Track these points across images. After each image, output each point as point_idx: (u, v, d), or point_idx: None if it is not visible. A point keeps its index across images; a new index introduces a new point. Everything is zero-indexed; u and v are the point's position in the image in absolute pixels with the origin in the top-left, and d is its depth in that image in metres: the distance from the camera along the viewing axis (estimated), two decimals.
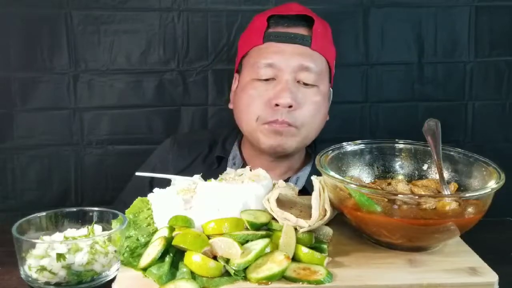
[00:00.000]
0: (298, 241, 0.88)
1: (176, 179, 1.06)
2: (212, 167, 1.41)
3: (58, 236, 0.91)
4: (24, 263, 0.85)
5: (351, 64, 1.72)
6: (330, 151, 1.04)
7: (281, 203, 0.98)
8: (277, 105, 1.27)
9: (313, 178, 0.97)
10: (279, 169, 1.40)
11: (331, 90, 1.41)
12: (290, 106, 1.27)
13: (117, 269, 0.87)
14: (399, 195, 0.91)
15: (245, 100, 1.33)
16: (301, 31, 1.33)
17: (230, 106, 1.44)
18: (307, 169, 1.41)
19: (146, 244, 0.90)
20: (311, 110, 1.31)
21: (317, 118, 1.33)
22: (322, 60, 1.34)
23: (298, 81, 1.30)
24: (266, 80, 1.31)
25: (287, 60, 1.29)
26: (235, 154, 1.43)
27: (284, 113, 1.27)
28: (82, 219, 0.95)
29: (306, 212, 0.96)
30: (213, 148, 1.47)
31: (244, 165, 1.39)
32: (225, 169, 1.29)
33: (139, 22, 1.66)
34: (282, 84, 1.28)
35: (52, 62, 1.65)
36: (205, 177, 1.06)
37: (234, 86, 1.43)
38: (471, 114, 1.75)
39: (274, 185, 1.04)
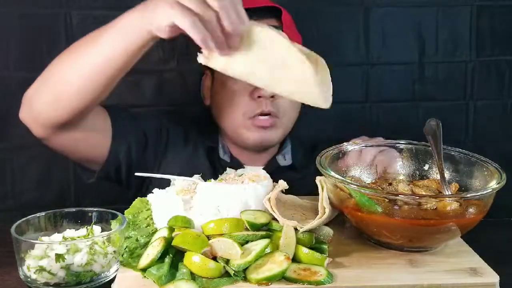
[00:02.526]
0: (299, 242, 0.88)
1: (176, 179, 1.06)
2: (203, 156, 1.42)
3: (57, 236, 0.91)
4: (23, 264, 0.85)
5: (352, 64, 1.71)
6: (330, 151, 1.04)
7: (282, 203, 0.98)
8: (259, 96, 1.29)
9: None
10: (261, 160, 1.42)
11: None
12: (273, 96, 1.29)
13: (117, 270, 0.87)
14: (400, 196, 0.91)
15: (228, 95, 1.34)
16: (272, 22, 1.34)
17: (207, 102, 1.45)
18: (287, 145, 1.45)
19: (145, 245, 0.90)
20: None
21: (296, 106, 1.37)
22: None
23: None
24: None
25: None
26: (223, 144, 1.43)
27: (268, 104, 1.30)
28: (81, 220, 0.95)
29: (309, 215, 0.96)
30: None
31: (232, 157, 1.40)
32: (216, 158, 1.37)
33: None
34: None
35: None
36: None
37: (207, 82, 1.44)
38: (472, 114, 1.74)
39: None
